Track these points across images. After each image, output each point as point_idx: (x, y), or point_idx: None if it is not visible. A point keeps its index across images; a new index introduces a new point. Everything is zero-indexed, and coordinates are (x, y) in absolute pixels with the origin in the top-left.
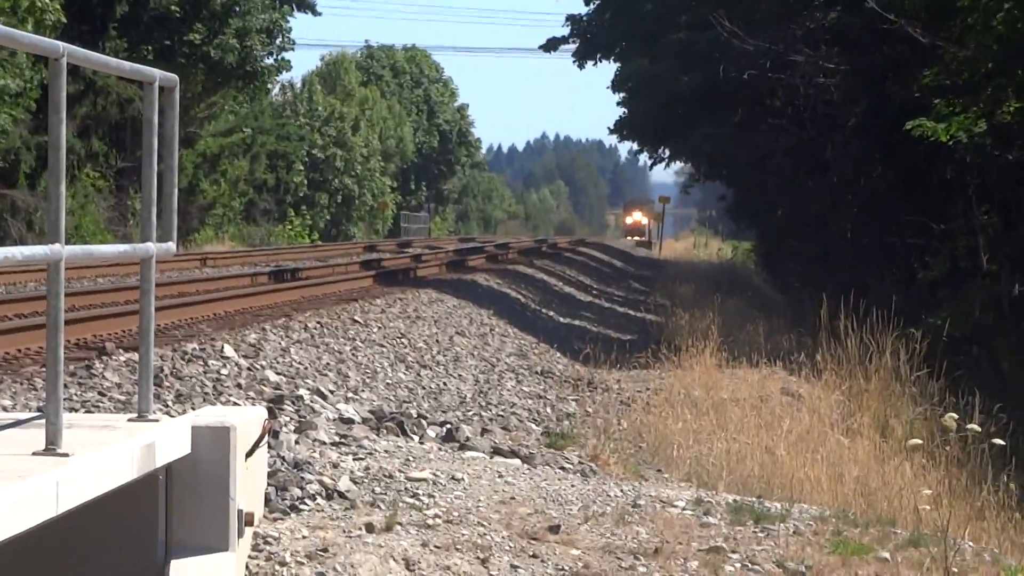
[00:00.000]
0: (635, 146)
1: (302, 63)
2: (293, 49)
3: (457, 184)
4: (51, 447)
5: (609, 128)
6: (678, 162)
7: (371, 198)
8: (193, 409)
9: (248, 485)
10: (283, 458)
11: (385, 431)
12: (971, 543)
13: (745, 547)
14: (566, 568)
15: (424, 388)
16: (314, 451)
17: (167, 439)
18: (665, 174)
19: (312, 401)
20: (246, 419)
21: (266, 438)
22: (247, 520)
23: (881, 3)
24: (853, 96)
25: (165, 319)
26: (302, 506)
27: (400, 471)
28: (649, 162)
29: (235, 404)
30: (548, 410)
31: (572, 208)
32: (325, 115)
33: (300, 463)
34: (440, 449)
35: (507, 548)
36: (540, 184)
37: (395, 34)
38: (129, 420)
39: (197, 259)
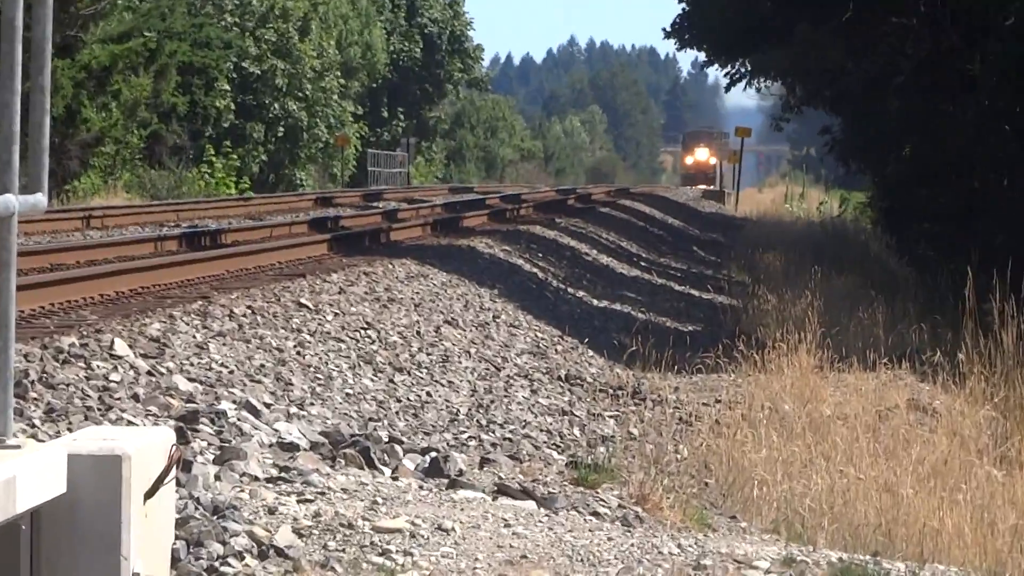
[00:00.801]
0: (702, 56)
1: None
2: None
3: (449, 111)
4: None
5: (665, 30)
6: (763, 81)
7: (326, 131)
8: (70, 431)
9: (147, 538)
10: (198, 500)
11: (344, 461)
12: None
13: None
14: None
15: (399, 400)
16: (242, 490)
17: (32, 473)
18: (745, 97)
19: (240, 419)
20: (145, 445)
21: (173, 472)
22: None
23: None
24: None
25: (31, 302)
26: (224, 568)
27: (364, 519)
28: (724, 80)
29: (130, 424)
30: (576, 432)
31: (612, 144)
32: (261, 12)
33: (222, 508)
34: (421, 487)
35: None
36: (567, 111)
37: None
38: None
39: (78, 217)
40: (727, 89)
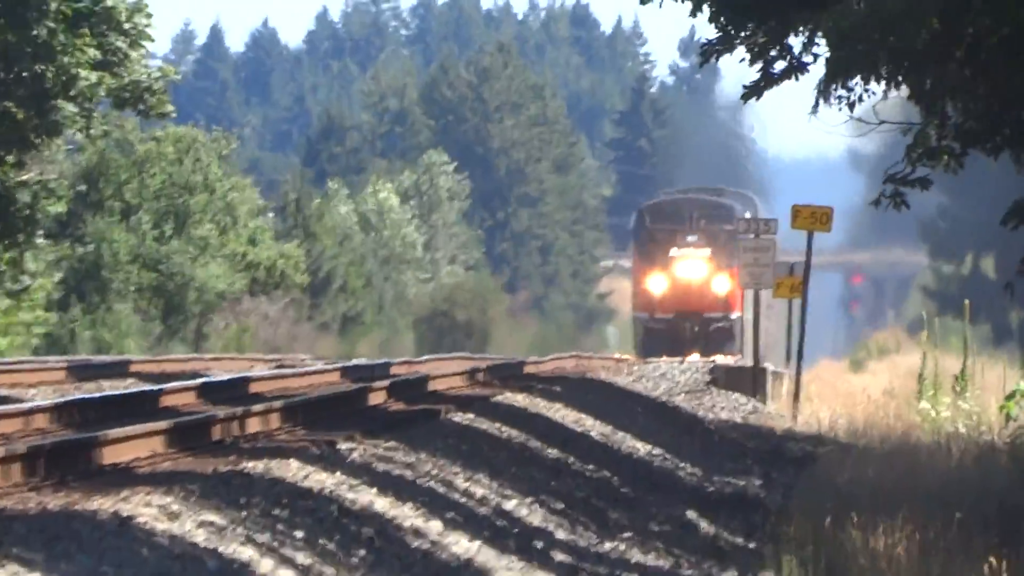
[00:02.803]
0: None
1: None
2: None
3: (69, 168)
4: None
5: None
6: (853, 90)
7: None
8: None
9: None
10: None
11: None
12: None
13: None
14: None
15: None
16: None
17: None
18: (808, 130)
19: None
20: None
21: None
22: None
23: None
24: None
25: None
26: None
27: None
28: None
29: None
30: None
31: (482, 245)
32: None
33: None
34: None
35: None
36: (363, 166)
37: None
38: None
39: None
40: (746, 95)
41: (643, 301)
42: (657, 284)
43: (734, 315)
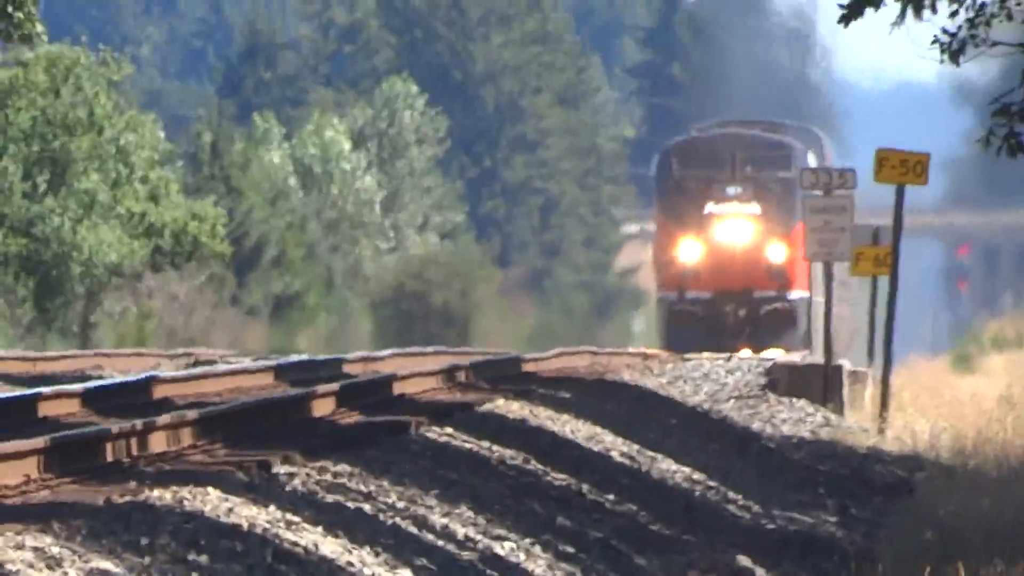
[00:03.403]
0: None
1: None
2: None
3: None
4: None
5: None
6: None
7: None
8: None
9: None
10: None
11: None
12: None
13: None
14: None
15: None
16: None
17: None
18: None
19: None
20: None
21: None
22: None
23: None
24: None
25: None
26: None
27: None
28: None
29: None
30: None
31: (464, 202)
32: None
33: None
34: None
35: None
36: (300, 99)
37: None
38: None
39: None
40: (847, 15)
41: (670, 276)
42: (689, 252)
43: (794, 295)
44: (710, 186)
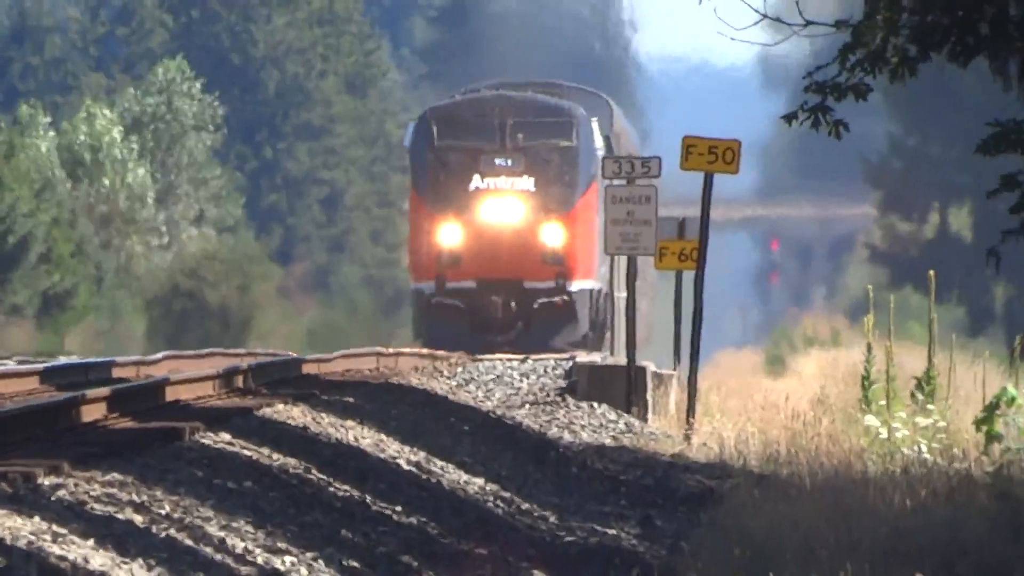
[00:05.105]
0: None
1: None
2: None
3: None
4: None
5: None
6: None
7: None
8: None
9: None
10: None
11: None
12: None
13: None
14: None
15: None
16: None
17: None
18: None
19: None
20: None
21: None
22: None
23: None
24: None
25: None
26: None
27: None
28: None
29: None
30: None
31: (242, 175)
32: None
33: None
34: None
35: None
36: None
37: None
38: None
39: None
40: None
41: (425, 263)
42: (449, 235)
43: (575, 285)
44: (476, 158)
